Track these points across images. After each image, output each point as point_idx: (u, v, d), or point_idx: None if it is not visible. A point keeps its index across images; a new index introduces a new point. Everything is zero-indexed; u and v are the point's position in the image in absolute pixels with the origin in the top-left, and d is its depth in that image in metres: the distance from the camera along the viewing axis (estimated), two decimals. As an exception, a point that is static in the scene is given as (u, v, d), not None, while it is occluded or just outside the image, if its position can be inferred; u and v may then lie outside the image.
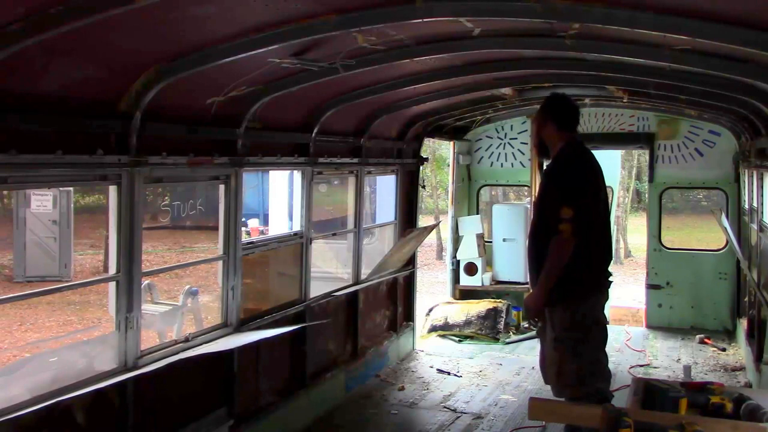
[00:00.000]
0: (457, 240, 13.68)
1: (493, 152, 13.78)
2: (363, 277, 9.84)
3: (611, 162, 15.77)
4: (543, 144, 6.49)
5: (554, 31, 5.94)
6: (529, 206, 13.57)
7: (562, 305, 6.04)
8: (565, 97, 6.57)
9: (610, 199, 17.16)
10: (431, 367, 10.71)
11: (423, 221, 14.18)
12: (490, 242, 13.73)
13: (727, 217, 11.64)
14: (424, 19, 5.32)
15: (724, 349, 11.68)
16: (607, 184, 17.16)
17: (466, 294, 13.48)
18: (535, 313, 6.26)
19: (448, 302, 13.37)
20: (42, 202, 21.59)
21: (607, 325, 6.40)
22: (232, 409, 7.09)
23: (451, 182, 13.89)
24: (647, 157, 13.76)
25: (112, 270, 5.78)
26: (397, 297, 11.17)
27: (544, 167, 6.85)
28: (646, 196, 15.92)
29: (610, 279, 6.42)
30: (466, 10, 5.32)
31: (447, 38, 6.36)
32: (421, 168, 11.64)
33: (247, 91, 6.53)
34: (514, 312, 12.84)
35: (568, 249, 5.93)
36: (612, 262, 6.53)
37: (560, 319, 6.07)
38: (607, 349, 11.51)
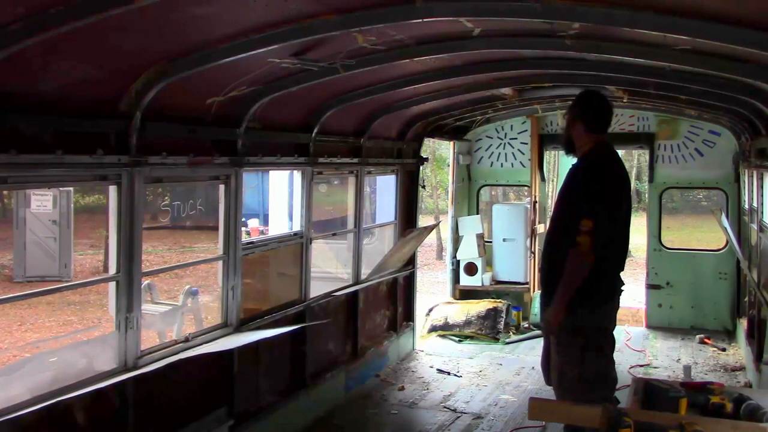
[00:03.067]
0: (457, 240, 13.68)
1: (493, 152, 13.78)
2: (363, 277, 9.84)
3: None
4: (570, 141, 6.18)
5: (554, 31, 5.93)
6: (528, 206, 13.57)
7: (568, 311, 5.85)
8: (597, 97, 6.21)
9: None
10: (431, 367, 10.71)
11: (423, 221, 14.18)
12: (490, 242, 13.72)
13: (727, 217, 11.64)
14: (424, 19, 5.32)
15: (724, 349, 11.68)
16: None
17: (466, 294, 13.48)
18: (555, 328, 5.92)
19: (448, 302, 13.37)
20: (42, 202, 21.59)
21: (614, 331, 6.20)
22: (232, 409, 7.09)
23: (451, 182, 13.88)
24: (647, 157, 13.76)
25: (112, 270, 5.77)
26: (397, 297, 11.17)
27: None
28: (646, 196, 15.91)
29: (622, 287, 6.21)
30: (466, 10, 5.32)
31: (447, 38, 6.36)
32: (421, 168, 11.64)
33: (247, 91, 6.53)
34: (514, 312, 12.85)
35: (585, 263, 5.68)
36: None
37: (565, 325, 5.88)
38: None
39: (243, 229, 9.36)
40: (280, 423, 7.85)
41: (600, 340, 6.00)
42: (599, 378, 5.96)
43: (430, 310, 12.98)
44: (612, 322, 6.16)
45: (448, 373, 10.38)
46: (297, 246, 8.31)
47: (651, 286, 13.19)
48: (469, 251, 13.44)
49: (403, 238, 10.17)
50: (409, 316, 11.62)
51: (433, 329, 12.52)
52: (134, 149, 5.62)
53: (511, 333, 12.53)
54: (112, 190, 5.68)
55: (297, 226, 8.44)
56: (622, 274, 6.25)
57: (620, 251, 6.15)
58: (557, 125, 13.41)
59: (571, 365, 5.93)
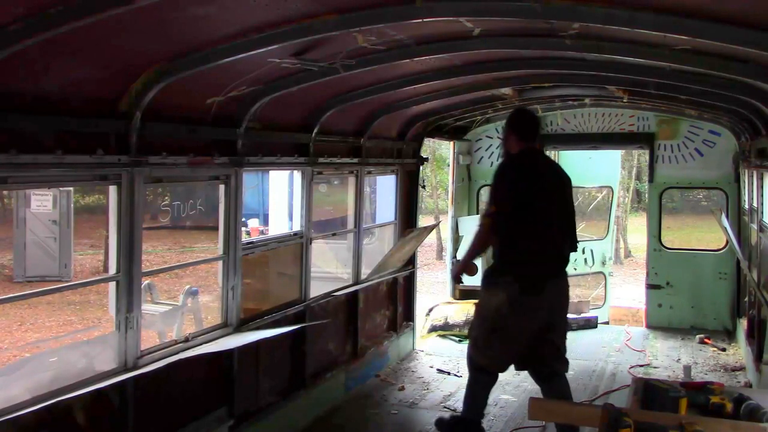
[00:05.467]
0: (457, 240, 13.66)
1: (493, 152, 13.76)
2: (363, 277, 9.84)
3: (611, 162, 15.77)
4: (509, 154, 7.37)
5: (554, 31, 5.94)
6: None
7: (484, 284, 7.30)
8: (526, 112, 7.75)
9: (610, 198, 17.13)
10: (431, 367, 10.71)
11: (423, 221, 14.18)
12: (490, 242, 13.69)
13: (727, 217, 11.64)
14: (424, 19, 5.32)
15: (724, 349, 11.67)
16: (607, 184, 17.06)
17: (466, 294, 13.44)
18: (456, 276, 7.91)
19: (448, 302, 13.35)
20: (42, 202, 21.62)
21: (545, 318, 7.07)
22: (232, 409, 7.09)
23: (451, 182, 13.88)
24: (647, 157, 13.76)
25: (112, 270, 5.77)
26: (397, 297, 11.17)
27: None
28: (646, 196, 15.92)
29: (555, 279, 7.08)
30: (466, 10, 5.32)
31: (447, 38, 6.36)
32: (421, 168, 11.64)
33: (247, 91, 6.53)
34: (514, 312, 12.83)
35: (485, 238, 7.19)
36: (564, 264, 7.26)
37: (480, 294, 7.38)
38: (607, 348, 11.53)
39: (243, 229, 9.36)
40: (280, 423, 7.85)
41: (497, 321, 7.05)
42: (485, 349, 7.19)
43: (430, 310, 12.97)
44: (526, 310, 6.99)
45: (448, 373, 10.37)
46: (297, 246, 8.31)
47: (651, 286, 13.18)
48: (469, 251, 13.41)
49: (403, 237, 10.17)
50: (409, 316, 11.62)
51: (433, 329, 12.51)
52: (134, 149, 5.62)
53: (511, 333, 12.51)
54: (112, 190, 5.68)
55: (297, 226, 8.44)
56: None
57: (541, 244, 7.02)
58: (557, 125, 13.41)
59: (474, 327, 7.45)
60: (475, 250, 7.37)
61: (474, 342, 7.36)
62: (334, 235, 10.32)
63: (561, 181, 7.34)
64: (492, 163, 13.77)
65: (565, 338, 7.35)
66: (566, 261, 7.28)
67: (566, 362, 7.30)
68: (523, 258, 6.99)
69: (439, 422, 7.80)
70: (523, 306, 6.93)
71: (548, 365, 7.20)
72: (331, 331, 9.17)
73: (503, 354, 7.21)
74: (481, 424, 7.56)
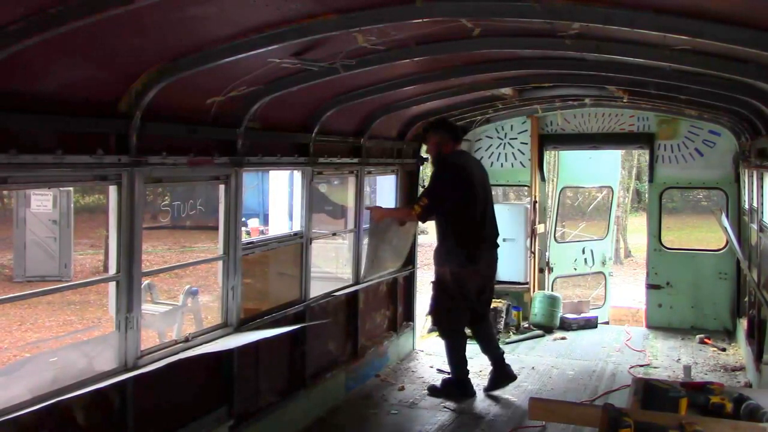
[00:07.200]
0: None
1: (493, 152, 13.77)
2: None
3: (611, 162, 15.77)
4: (440, 156, 9.06)
5: (554, 31, 5.94)
6: (529, 206, 13.58)
7: (436, 263, 9.18)
8: (447, 120, 9.78)
9: (610, 198, 17.16)
10: (431, 367, 10.71)
11: (423, 221, 14.14)
12: (490, 242, 13.70)
13: (727, 217, 11.63)
14: (424, 19, 5.33)
15: (724, 349, 11.67)
16: (607, 184, 17.05)
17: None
18: (374, 216, 9.27)
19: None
20: (42, 202, 21.62)
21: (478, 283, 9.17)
22: (232, 409, 7.09)
23: (451, 182, 13.84)
24: (647, 157, 13.77)
25: (112, 270, 5.77)
26: (397, 297, 11.17)
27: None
28: (646, 196, 15.92)
29: (483, 255, 9.02)
30: (466, 10, 5.32)
31: (447, 38, 6.36)
32: (421, 168, 11.65)
33: (247, 91, 6.53)
34: (514, 312, 12.84)
35: (411, 220, 9.37)
36: (492, 246, 9.17)
37: (435, 271, 9.25)
38: (607, 348, 11.65)
39: (243, 229, 9.36)
40: (280, 423, 7.85)
41: (445, 290, 9.12)
42: (446, 310, 9.26)
43: (430, 310, 12.95)
44: (468, 277, 9.07)
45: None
46: (297, 246, 8.31)
47: (651, 286, 13.18)
48: (469, 251, 13.39)
49: (376, 226, 9.61)
50: (409, 316, 11.62)
51: (433, 329, 12.50)
52: (134, 149, 5.62)
53: (511, 333, 12.52)
54: (112, 190, 5.68)
55: (297, 226, 8.45)
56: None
57: (472, 230, 8.92)
58: (557, 125, 13.42)
59: (432, 296, 9.33)
60: (400, 218, 9.44)
61: (437, 310, 9.38)
62: (334, 235, 10.30)
63: (484, 174, 9.33)
64: (492, 163, 13.78)
65: (491, 296, 9.77)
66: (494, 239, 9.25)
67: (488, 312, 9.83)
68: (460, 240, 8.86)
69: (432, 389, 9.40)
70: (464, 275, 8.96)
71: (479, 314, 9.40)
72: (331, 331, 9.18)
73: (460, 312, 9.14)
74: (469, 380, 9.38)
